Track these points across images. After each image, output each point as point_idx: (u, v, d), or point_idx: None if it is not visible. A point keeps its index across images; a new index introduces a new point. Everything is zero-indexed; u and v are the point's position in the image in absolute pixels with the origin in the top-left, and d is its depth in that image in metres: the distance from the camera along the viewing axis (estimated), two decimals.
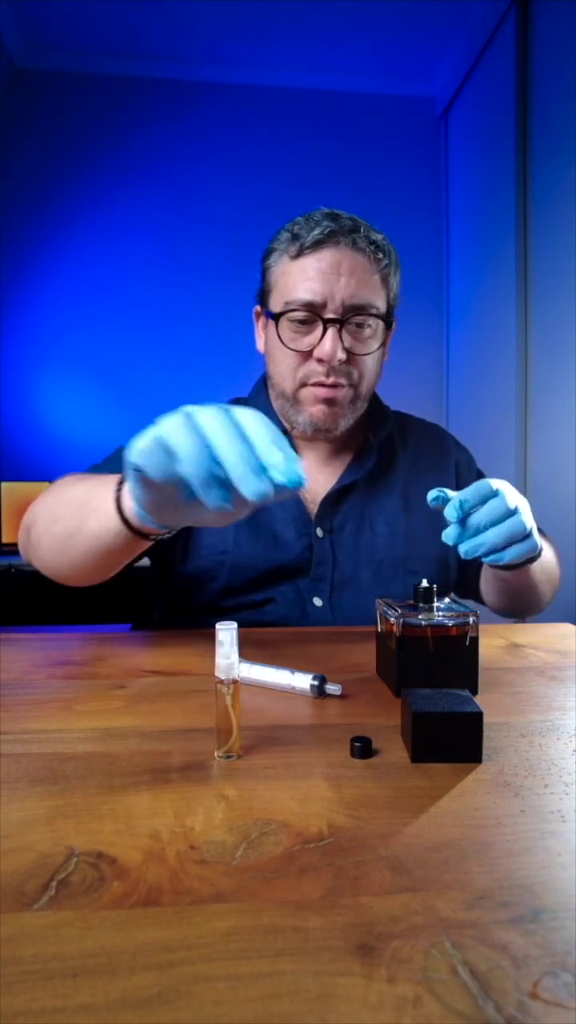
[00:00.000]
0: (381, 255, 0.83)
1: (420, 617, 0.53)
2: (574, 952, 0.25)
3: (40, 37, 2.58)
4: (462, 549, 0.62)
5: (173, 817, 0.35)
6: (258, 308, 0.92)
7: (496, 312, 2.36)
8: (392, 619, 0.54)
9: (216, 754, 0.43)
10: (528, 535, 0.64)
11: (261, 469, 0.41)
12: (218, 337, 2.77)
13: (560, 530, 1.75)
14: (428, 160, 2.89)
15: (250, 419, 0.43)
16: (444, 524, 0.95)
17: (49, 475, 2.58)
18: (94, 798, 0.37)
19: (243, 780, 0.40)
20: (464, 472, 0.99)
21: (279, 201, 2.78)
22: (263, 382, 0.99)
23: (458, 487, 0.96)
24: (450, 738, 0.42)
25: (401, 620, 0.53)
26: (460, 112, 2.72)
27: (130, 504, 0.59)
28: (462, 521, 0.61)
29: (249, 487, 0.40)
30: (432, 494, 0.62)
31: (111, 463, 0.87)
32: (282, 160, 2.81)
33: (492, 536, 0.61)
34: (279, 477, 0.40)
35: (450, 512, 0.61)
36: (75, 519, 0.66)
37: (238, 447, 0.41)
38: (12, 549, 2.36)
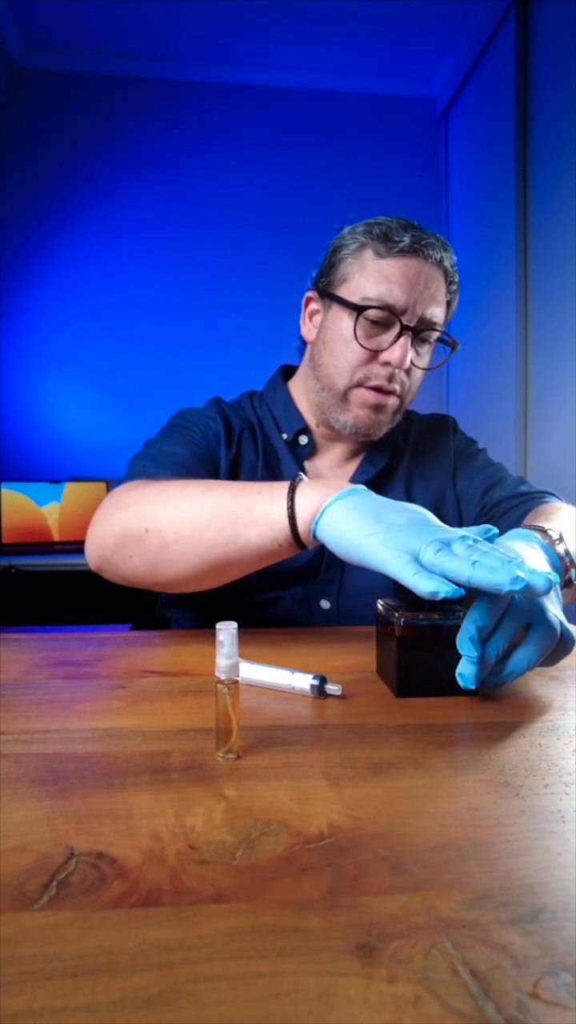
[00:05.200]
0: (455, 280, 0.85)
1: (420, 617, 0.53)
2: (574, 952, 0.25)
3: (40, 37, 2.58)
4: (488, 687, 0.49)
5: (173, 817, 0.35)
6: (312, 294, 0.90)
7: (496, 312, 2.36)
8: (392, 619, 0.54)
9: (216, 754, 0.43)
10: (559, 630, 0.49)
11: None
12: (218, 337, 2.77)
13: None
14: (428, 160, 2.89)
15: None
16: (446, 509, 0.94)
17: (49, 475, 2.58)
18: (94, 798, 0.37)
19: (243, 780, 0.39)
20: (461, 459, 0.97)
21: (279, 201, 2.79)
22: (283, 376, 0.98)
23: (454, 475, 0.95)
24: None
25: (401, 620, 0.53)
26: (460, 112, 2.72)
27: (307, 520, 0.59)
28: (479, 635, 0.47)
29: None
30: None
31: (161, 455, 0.84)
32: (282, 160, 2.81)
33: (521, 662, 0.49)
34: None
35: (464, 646, 0.47)
36: (228, 529, 0.63)
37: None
38: (12, 549, 2.35)
